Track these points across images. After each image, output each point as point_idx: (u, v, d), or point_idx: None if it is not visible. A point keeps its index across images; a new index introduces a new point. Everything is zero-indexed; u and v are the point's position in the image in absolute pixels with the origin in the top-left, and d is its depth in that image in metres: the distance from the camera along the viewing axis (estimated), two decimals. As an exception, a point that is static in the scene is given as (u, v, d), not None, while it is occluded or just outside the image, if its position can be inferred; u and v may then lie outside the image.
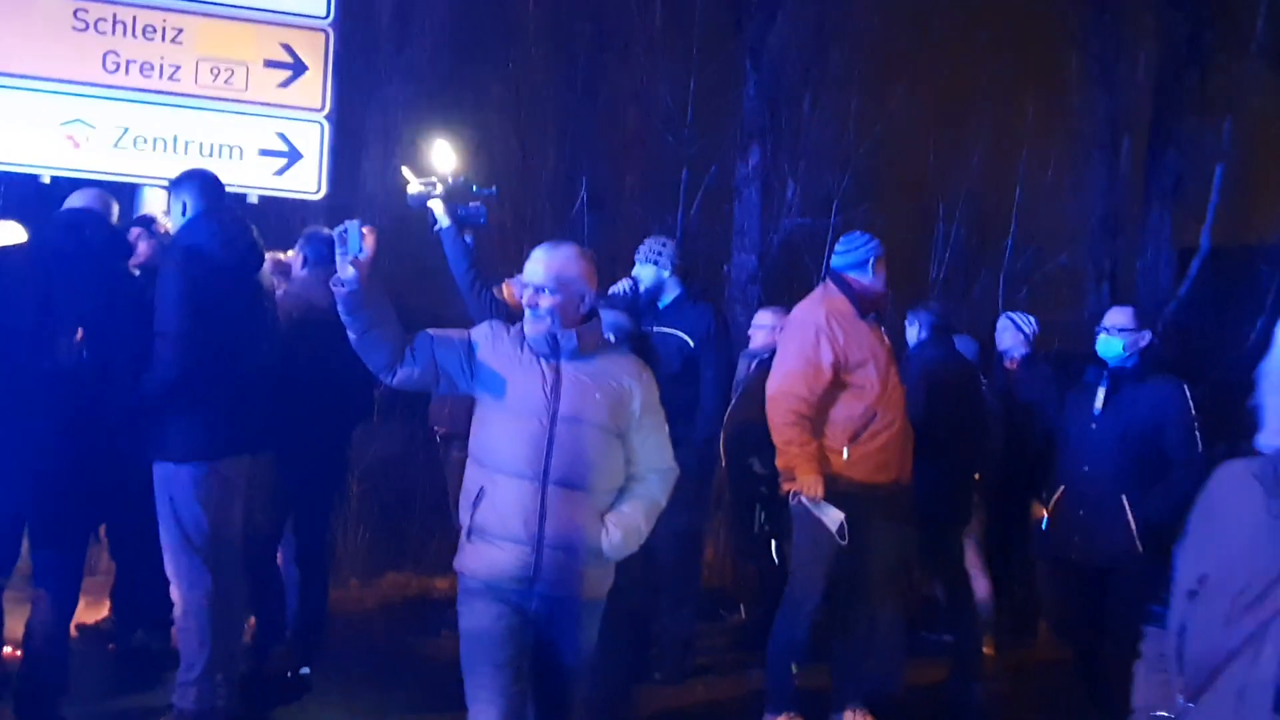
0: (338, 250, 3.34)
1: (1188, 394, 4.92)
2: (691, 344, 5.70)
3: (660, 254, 5.87)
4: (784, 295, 11.30)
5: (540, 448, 3.32)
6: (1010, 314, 6.90)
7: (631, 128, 11.67)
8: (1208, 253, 12.96)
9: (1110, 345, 5.07)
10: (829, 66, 12.22)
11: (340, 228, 3.37)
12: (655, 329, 5.62)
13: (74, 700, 4.69)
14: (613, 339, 4.61)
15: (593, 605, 3.47)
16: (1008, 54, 12.35)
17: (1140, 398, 4.95)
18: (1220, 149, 12.83)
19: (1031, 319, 6.71)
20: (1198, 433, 4.85)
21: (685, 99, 11.60)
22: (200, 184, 4.67)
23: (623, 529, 3.41)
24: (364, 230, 3.35)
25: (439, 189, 4.76)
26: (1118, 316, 5.18)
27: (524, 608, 3.37)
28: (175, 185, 4.73)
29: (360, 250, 3.31)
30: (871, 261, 4.96)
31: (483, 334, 3.51)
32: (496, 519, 3.33)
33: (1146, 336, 5.11)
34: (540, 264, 3.43)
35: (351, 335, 3.43)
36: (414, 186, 4.84)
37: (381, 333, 3.39)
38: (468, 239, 4.91)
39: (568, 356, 3.42)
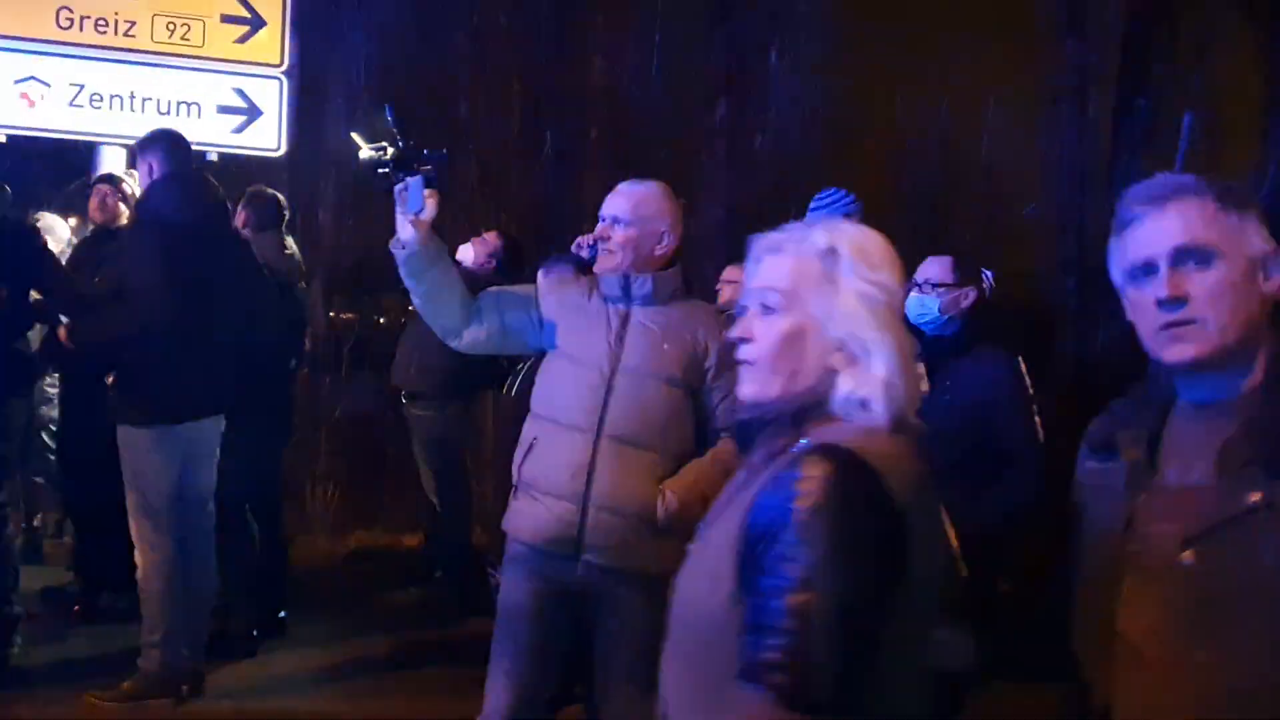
0: (398, 209, 3.18)
1: (1022, 369, 3.82)
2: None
3: None
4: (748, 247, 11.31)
5: (598, 398, 3.05)
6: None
7: (598, 80, 11.55)
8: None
9: (923, 306, 3.91)
10: (795, 16, 12.13)
11: (400, 184, 3.24)
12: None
13: (40, 663, 4.71)
14: None
15: (647, 581, 2.84)
16: (975, 1, 12.30)
17: (963, 375, 3.79)
18: (1190, 98, 12.87)
19: (988, 273, 6.74)
20: (1037, 418, 3.77)
21: (649, 52, 11.50)
22: (166, 145, 4.65)
23: (681, 496, 3.01)
24: (426, 189, 3.21)
25: (389, 154, 4.74)
26: (932, 268, 3.97)
27: (567, 582, 3.09)
28: (141, 146, 4.72)
29: (421, 209, 3.16)
30: (853, 218, 4.97)
31: (548, 283, 3.37)
32: (542, 472, 3.08)
33: (970, 295, 3.93)
34: (620, 195, 3.24)
35: (415, 300, 3.27)
36: (364, 152, 4.82)
37: (447, 295, 3.21)
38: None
39: (640, 302, 3.17)
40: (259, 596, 5.33)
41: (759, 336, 1.76)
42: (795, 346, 1.73)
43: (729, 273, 6.53)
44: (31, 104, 6.10)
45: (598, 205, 5.92)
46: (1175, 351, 1.64)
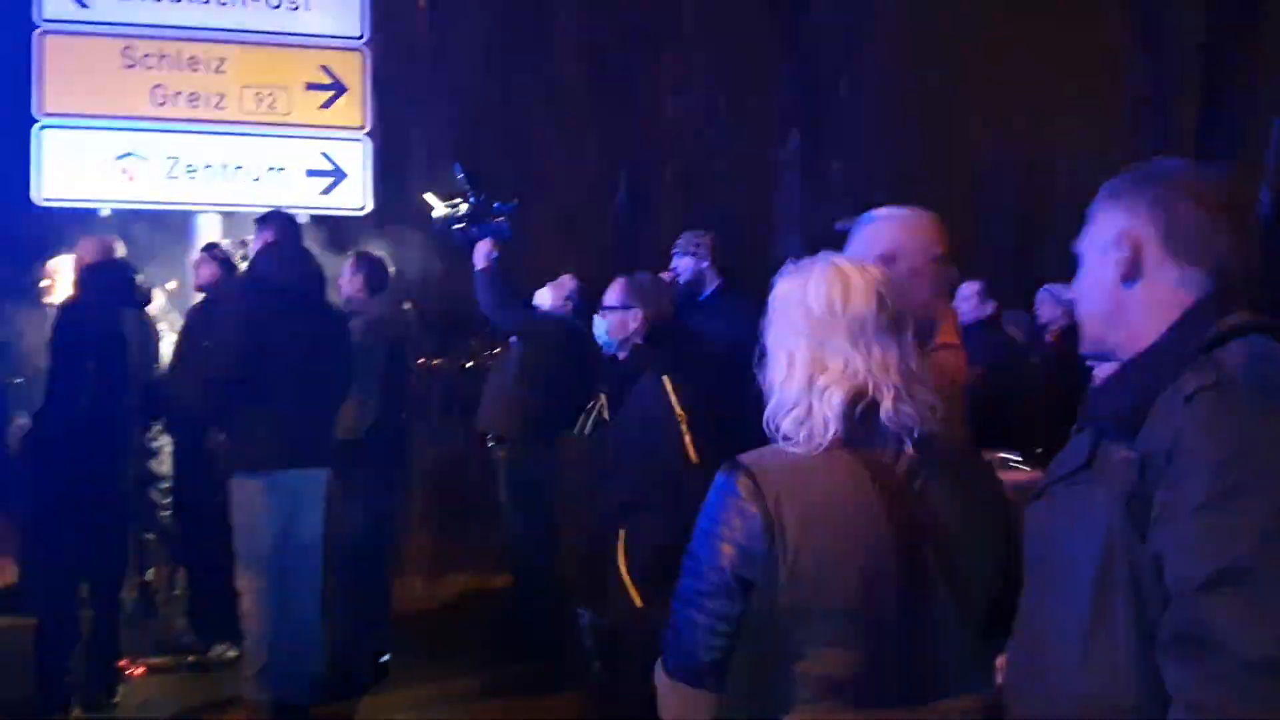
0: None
1: (667, 389, 3.60)
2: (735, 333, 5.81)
3: (698, 247, 5.96)
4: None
5: None
6: (1049, 286, 6.90)
7: (669, 120, 11.76)
8: (1270, 210, 12.72)
9: (598, 329, 3.89)
10: (865, 47, 12.20)
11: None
12: (697, 321, 5.74)
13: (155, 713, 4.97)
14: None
15: None
16: (1050, 18, 12.22)
17: (632, 401, 3.71)
18: (1276, 104, 12.59)
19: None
20: (687, 438, 3.55)
21: (720, 90, 11.67)
22: (280, 221, 5.23)
23: None
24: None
25: (462, 209, 4.95)
26: (610, 291, 3.90)
27: None
28: (258, 221, 5.29)
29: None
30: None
31: None
32: None
33: (638, 316, 3.82)
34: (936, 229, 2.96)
35: None
36: (439, 210, 5.05)
37: None
38: (494, 255, 5.11)
39: None
40: (364, 640, 5.53)
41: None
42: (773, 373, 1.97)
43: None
44: (131, 178, 6.45)
45: (671, 243, 6.07)
46: None
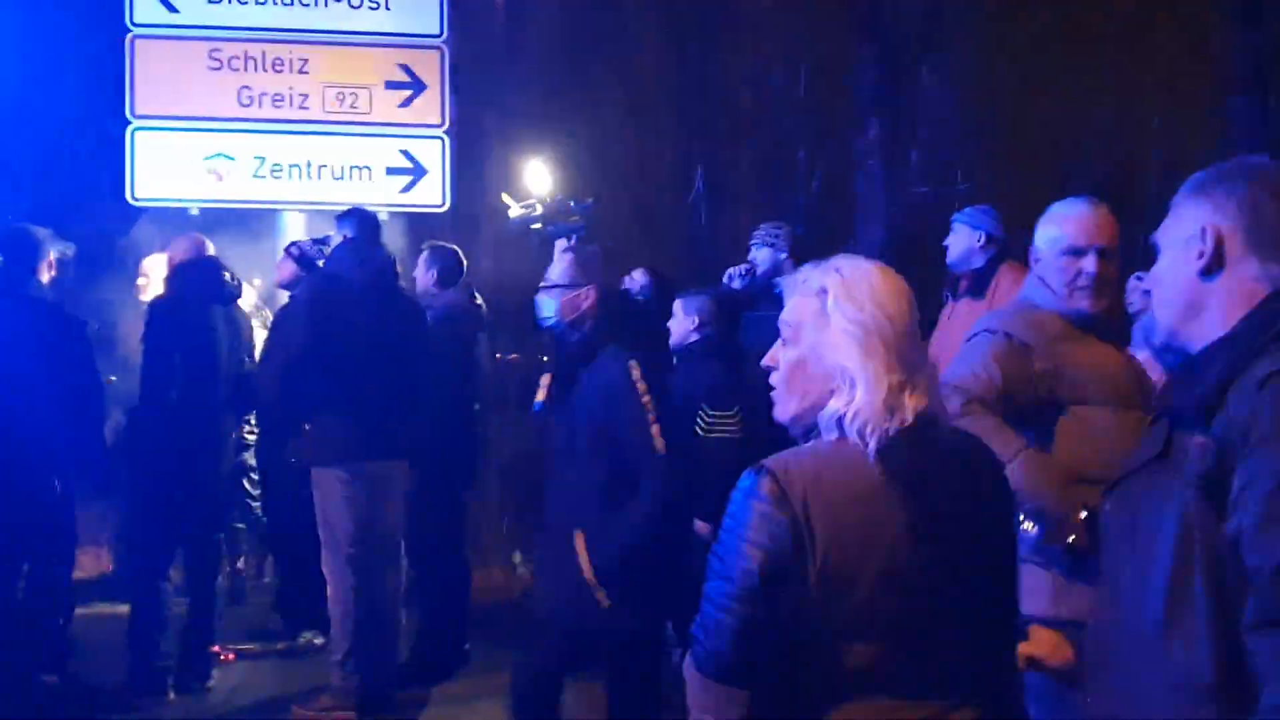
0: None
1: (633, 373, 3.44)
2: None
3: (776, 237, 5.94)
4: (914, 266, 11.21)
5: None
6: (1141, 275, 6.72)
7: (746, 110, 11.70)
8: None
9: (543, 308, 3.66)
10: (945, 31, 12.00)
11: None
12: (775, 312, 5.74)
13: (246, 698, 5.13)
14: (697, 322, 4.79)
15: None
16: (1137, 2, 11.91)
17: (586, 384, 3.52)
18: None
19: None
20: (654, 426, 3.40)
21: (797, 77, 11.58)
22: (358, 218, 5.29)
23: None
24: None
25: (538, 209, 5.01)
26: (554, 267, 3.71)
27: None
28: (338, 219, 5.37)
29: None
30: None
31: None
32: None
33: (590, 295, 3.61)
34: (1104, 219, 3.15)
35: None
36: (514, 210, 5.12)
37: None
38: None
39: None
40: (445, 627, 5.64)
41: (779, 364, 2.01)
42: (800, 373, 1.96)
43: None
44: (220, 178, 6.63)
45: (749, 235, 6.06)
46: None
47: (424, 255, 5.86)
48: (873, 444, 1.86)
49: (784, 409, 2.01)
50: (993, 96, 11.88)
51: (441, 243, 6.00)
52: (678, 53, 11.47)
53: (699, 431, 4.66)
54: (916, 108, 12.17)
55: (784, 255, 5.88)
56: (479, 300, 5.99)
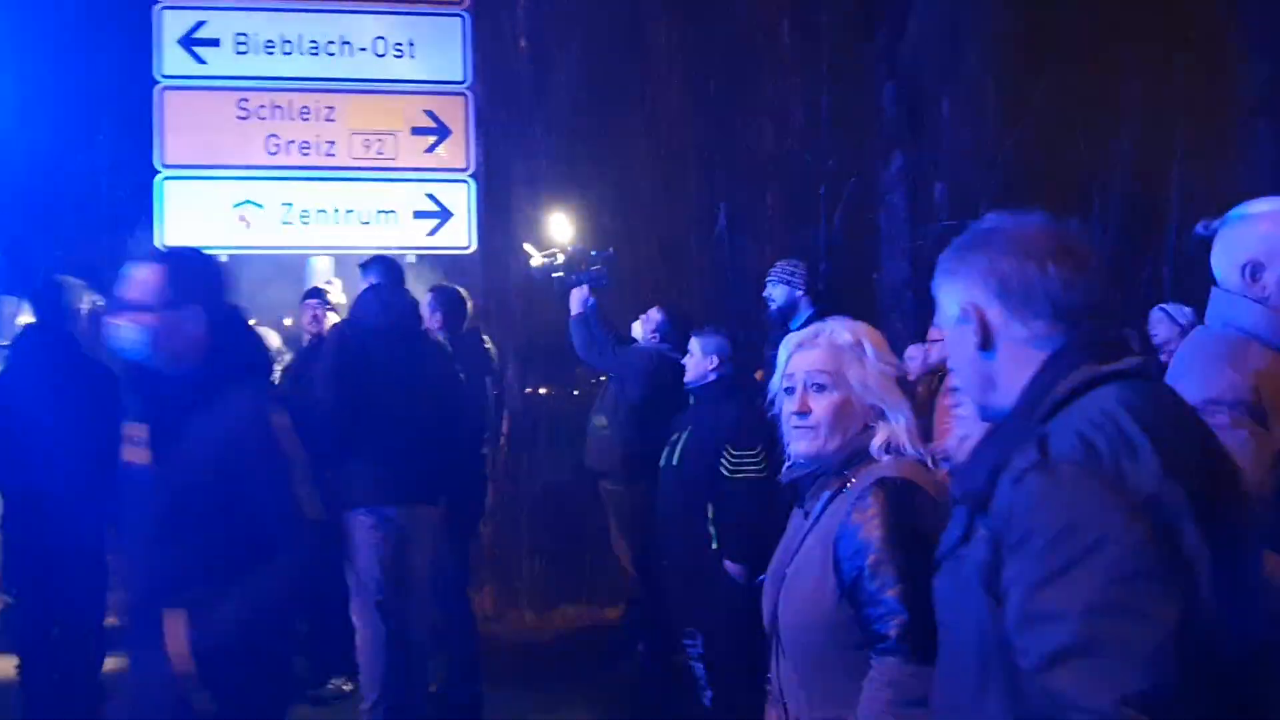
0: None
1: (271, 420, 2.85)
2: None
3: (793, 275, 5.97)
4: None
5: None
6: (1164, 305, 6.69)
7: (768, 146, 11.74)
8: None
9: (122, 336, 2.85)
10: (966, 64, 12.02)
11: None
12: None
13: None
14: (716, 362, 4.81)
15: None
16: (1157, 27, 11.90)
17: (208, 437, 2.79)
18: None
19: (1187, 310, 6.49)
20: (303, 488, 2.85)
21: (818, 113, 11.62)
22: (383, 265, 5.42)
23: None
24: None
25: (559, 259, 5.06)
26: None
27: None
28: (362, 266, 5.51)
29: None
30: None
31: None
32: None
33: (195, 319, 2.75)
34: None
35: None
36: (536, 260, 5.18)
37: None
38: (592, 300, 5.22)
39: None
40: (463, 674, 5.64)
41: (816, 408, 2.39)
42: (845, 412, 2.38)
43: (934, 332, 6.57)
44: (248, 225, 6.71)
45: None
46: None
47: (429, 298, 5.91)
48: (927, 457, 2.36)
49: (824, 445, 2.38)
50: (1016, 127, 11.88)
51: (446, 285, 6.05)
52: (700, 90, 11.54)
53: (724, 472, 4.66)
54: (940, 140, 12.18)
55: (800, 292, 5.91)
56: (487, 343, 6.03)
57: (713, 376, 4.88)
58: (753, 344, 6.42)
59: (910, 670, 2.15)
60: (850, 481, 2.35)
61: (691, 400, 4.99)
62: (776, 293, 5.89)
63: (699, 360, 4.92)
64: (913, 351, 7.08)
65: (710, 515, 4.70)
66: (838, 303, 6.68)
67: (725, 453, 4.66)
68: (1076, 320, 1.68)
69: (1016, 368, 1.71)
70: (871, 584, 2.22)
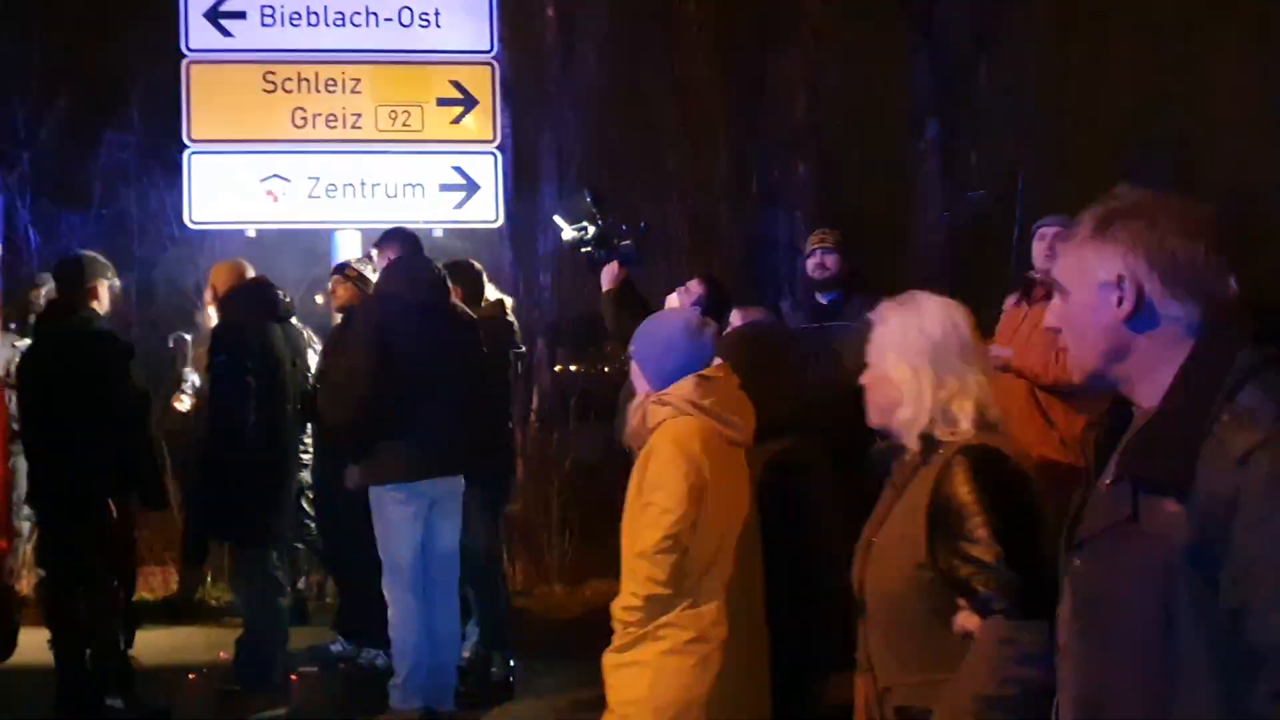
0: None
1: None
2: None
3: (832, 244, 5.84)
4: (974, 271, 11.02)
5: None
6: None
7: (801, 116, 11.57)
8: None
9: None
10: (1003, 29, 11.79)
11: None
12: (826, 325, 5.64)
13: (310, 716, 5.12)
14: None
15: None
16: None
17: None
18: None
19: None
20: None
21: (850, 80, 11.43)
22: (400, 238, 5.30)
23: None
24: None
25: (590, 233, 4.97)
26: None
27: None
28: (378, 242, 5.41)
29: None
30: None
31: None
32: None
33: None
34: None
35: None
36: (567, 233, 5.08)
37: None
38: (623, 275, 5.14)
39: None
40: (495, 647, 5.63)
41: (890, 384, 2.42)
42: (927, 385, 2.39)
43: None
44: (276, 199, 6.66)
45: (805, 240, 5.95)
46: None
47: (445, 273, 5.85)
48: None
49: (911, 417, 2.43)
50: (1053, 93, 11.64)
51: (464, 259, 6.00)
52: (730, 58, 11.38)
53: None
54: (974, 107, 11.97)
55: (839, 263, 5.79)
56: (510, 316, 5.97)
57: None
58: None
59: (1019, 626, 2.18)
60: (938, 451, 2.38)
61: None
62: (830, 261, 5.75)
63: None
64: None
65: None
66: (872, 274, 6.59)
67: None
68: (1222, 309, 1.69)
69: (1162, 346, 1.69)
70: (971, 548, 2.27)
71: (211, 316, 6.13)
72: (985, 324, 6.37)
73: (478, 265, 5.95)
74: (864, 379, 2.48)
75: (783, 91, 11.52)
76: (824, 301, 5.69)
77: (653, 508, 3.05)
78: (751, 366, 3.42)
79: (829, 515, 5.11)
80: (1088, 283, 1.73)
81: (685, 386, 3.14)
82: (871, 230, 10.97)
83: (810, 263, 5.74)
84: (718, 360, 3.25)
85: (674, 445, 3.06)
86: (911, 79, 11.76)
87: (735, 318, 4.90)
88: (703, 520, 3.07)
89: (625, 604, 3.16)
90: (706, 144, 11.38)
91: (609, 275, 5.41)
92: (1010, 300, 5.24)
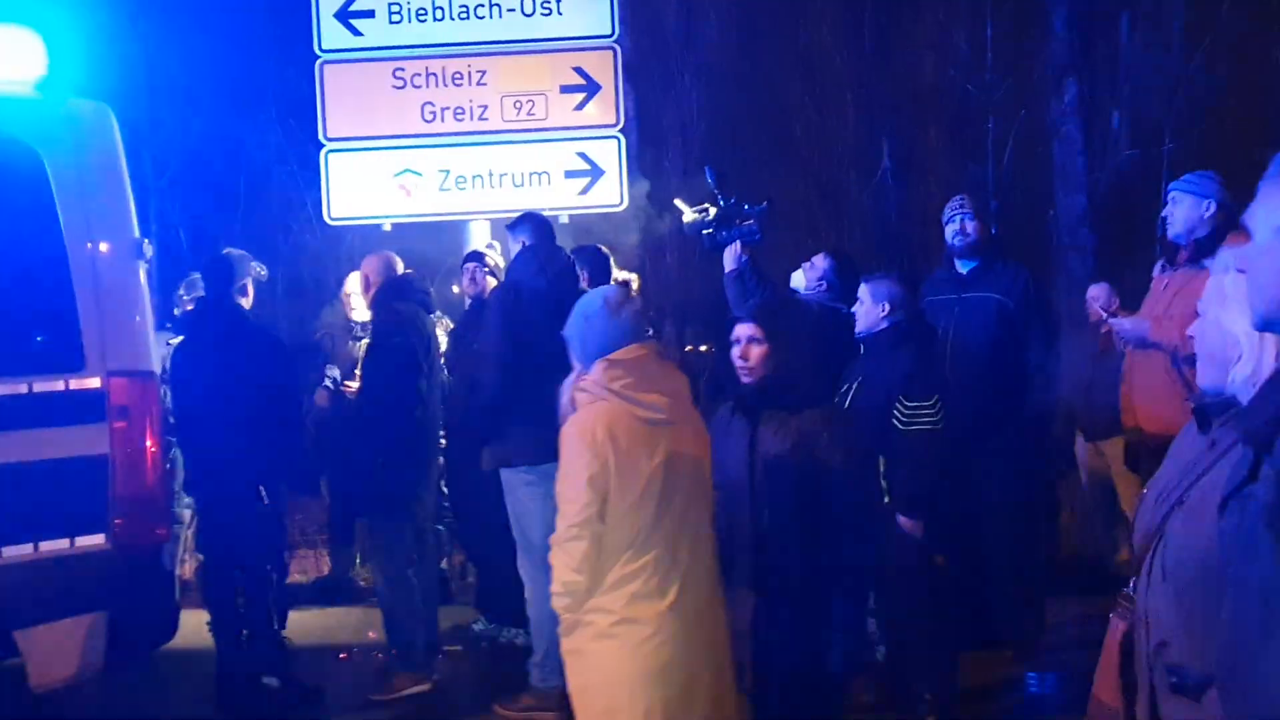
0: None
1: None
2: (1010, 305, 5.51)
3: (971, 211, 5.69)
4: (1118, 235, 10.60)
5: None
6: None
7: (931, 79, 11.28)
8: None
9: None
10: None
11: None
12: (965, 295, 5.51)
13: (455, 692, 5.29)
14: (887, 309, 4.63)
15: None
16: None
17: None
18: None
19: None
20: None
21: (983, 44, 11.08)
22: (531, 223, 5.37)
23: None
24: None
25: (711, 214, 4.93)
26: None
27: None
28: (511, 226, 5.44)
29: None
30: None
31: None
32: None
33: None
34: None
35: None
36: (688, 215, 5.06)
37: None
38: (745, 257, 5.10)
39: None
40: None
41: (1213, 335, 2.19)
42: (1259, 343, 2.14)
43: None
44: (409, 194, 6.85)
45: (938, 213, 5.82)
46: None
47: (574, 258, 5.90)
48: None
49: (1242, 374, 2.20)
50: (1202, 47, 11.07)
51: (588, 245, 6.05)
52: (856, 25, 11.17)
53: (898, 424, 4.50)
54: (1118, 64, 11.49)
55: (980, 230, 5.64)
56: (636, 297, 6.03)
57: (885, 325, 4.69)
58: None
59: None
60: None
61: (861, 350, 4.81)
62: (970, 227, 5.61)
63: (869, 308, 4.72)
64: (1095, 291, 6.75)
65: (882, 469, 4.56)
66: (1011, 242, 6.41)
67: (899, 404, 4.50)
68: None
69: None
70: None
71: (357, 308, 6.34)
72: (1128, 292, 6.15)
73: (604, 249, 6.01)
74: (1192, 329, 2.27)
75: (910, 54, 11.26)
76: (963, 271, 5.56)
77: (560, 498, 3.11)
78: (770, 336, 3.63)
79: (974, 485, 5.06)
80: (1270, 225, 1.71)
81: (596, 370, 3.18)
82: (1009, 197, 10.65)
83: (949, 230, 5.60)
84: (650, 337, 3.29)
85: (577, 435, 3.10)
86: (1050, 36, 11.35)
87: (863, 292, 4.82)
88: (616, 504, 3.07)
89: (553, 593, 3.22)
90: (833, 114, 11.20)
91: (731, 255, 5.39)
92: (1157, 268, 5.04)
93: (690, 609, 3.14)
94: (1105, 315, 6.14)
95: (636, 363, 3.19)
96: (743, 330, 3.74)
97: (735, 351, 3.84)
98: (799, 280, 5.92)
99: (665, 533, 3.14)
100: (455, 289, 7.72)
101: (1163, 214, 4.90)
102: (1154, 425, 4.58)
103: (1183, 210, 4.74)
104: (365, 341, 5.88)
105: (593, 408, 3.15)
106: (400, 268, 5.80)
